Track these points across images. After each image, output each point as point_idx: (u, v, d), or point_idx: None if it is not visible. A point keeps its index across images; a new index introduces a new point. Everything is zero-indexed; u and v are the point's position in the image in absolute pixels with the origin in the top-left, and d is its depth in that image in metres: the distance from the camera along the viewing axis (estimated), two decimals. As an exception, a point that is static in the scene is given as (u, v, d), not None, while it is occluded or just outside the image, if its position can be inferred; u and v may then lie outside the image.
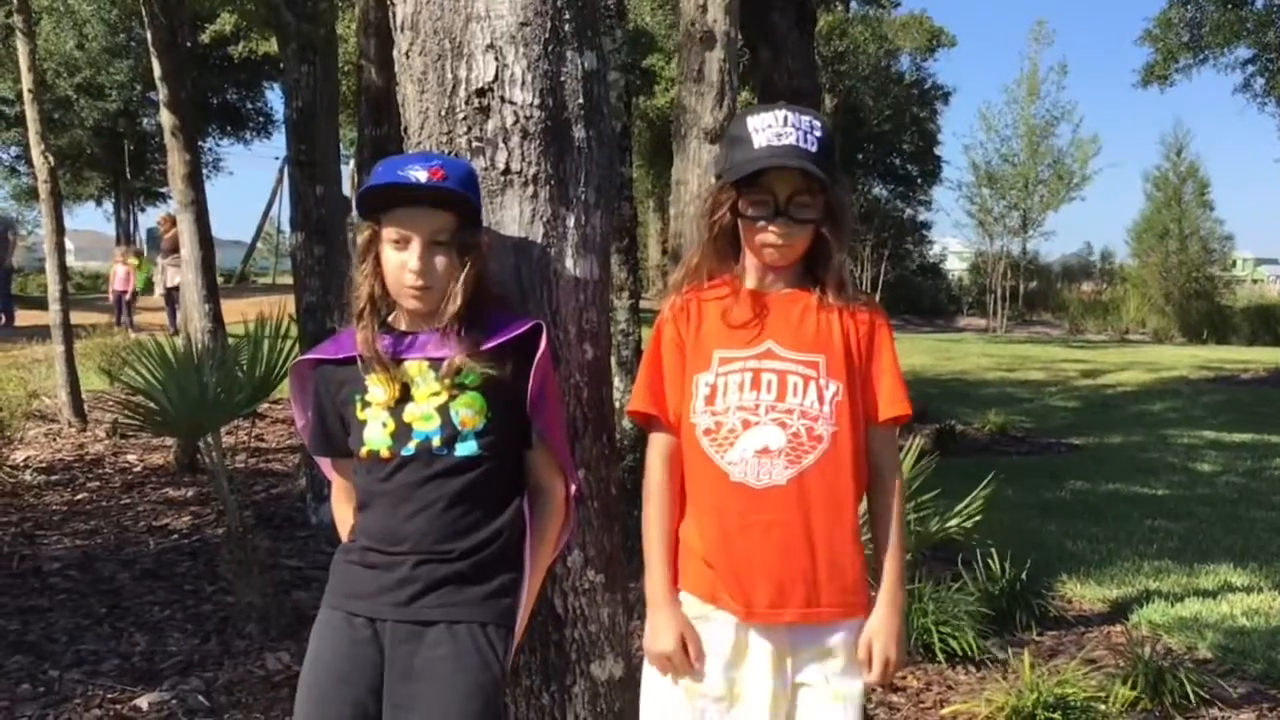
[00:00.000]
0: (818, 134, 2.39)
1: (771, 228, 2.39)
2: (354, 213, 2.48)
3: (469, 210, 2.45)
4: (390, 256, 2.40)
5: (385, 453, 2.41)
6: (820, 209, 2.41)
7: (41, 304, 13.98)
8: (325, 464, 2.66)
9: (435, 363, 2.40)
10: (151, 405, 5.42)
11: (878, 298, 2.50)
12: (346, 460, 2.55)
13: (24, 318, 20.42)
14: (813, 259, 2.48)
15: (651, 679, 2.54)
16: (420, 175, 2.35)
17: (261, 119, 39.90)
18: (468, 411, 2.40)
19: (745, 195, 2.42)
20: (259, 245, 49.56)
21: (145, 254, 26.55)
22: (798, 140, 2.37)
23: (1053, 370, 21.07)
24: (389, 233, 2.40)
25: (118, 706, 4.39)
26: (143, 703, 4.37)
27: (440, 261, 2.39)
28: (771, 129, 2.39)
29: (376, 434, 2.41)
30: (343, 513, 2.63)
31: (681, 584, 2.51)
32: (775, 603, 2.40)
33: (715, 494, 2.44)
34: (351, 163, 20.36)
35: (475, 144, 2.67)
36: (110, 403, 10.30)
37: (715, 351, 2.46)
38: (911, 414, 2.51)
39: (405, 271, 2.38)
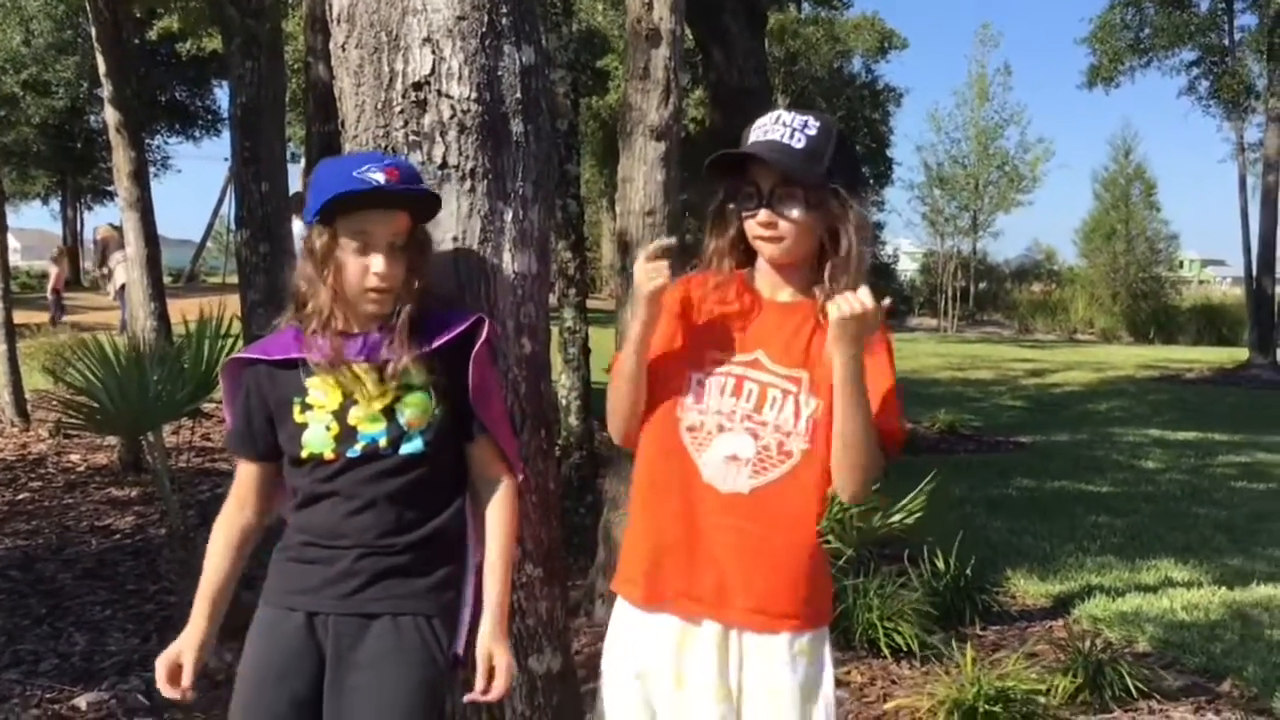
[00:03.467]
0: (809, 132, 2.38)
1: (758, 217, 2.38)
2: (306, 218, 2.41)
3: (421, 210, 2.43)
4: (350, 261, 2.34)
5: (329, 454, 2.37)
6: (804, 205, 2.37)
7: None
8: (242, 468, 2.55)
9: (379, 365, 2.37)
10: (93, 404, 5.37)
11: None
12: (265, 464, 2.50)
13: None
14: (820, 268, 2.46)
15: (609, 670, 2.55)
16: (378, 177, 2.30)
17: (210, 116, 39.53)
18: (414, 412, 2.38)
19: (735, 186, 2.43)
20: (209, 244, 49.20)
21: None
22: (782, 136, 2.37)
23: (1002, 370, 21.28)
24: (349, 237, 2.34)
25: (56, 706, 4.35)
26: (81, 702, 4.33)
27: (398, 263, 2.37)
28: (763, 127, 2.40)
29: (319, 437, 2.37)
30: (227, 529, 2.53)
31: (625, 591, 2.51)
32: (720, 601, 2.40)
33: (686, 489, 2.43)
34: (301, 160, 20.24)
35: (412, 138, 2.66)
36: (54, 402, 10.18)
37: (707, 351, 2.46)
38: (901, 435, 2.43)
39: (369, 275, 2.34)
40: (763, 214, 2.38)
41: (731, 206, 2.45)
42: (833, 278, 2.39)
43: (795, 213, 2.37)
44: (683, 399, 2.46)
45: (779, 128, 2.38)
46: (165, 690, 2.41)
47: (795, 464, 2.40)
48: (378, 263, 2.34)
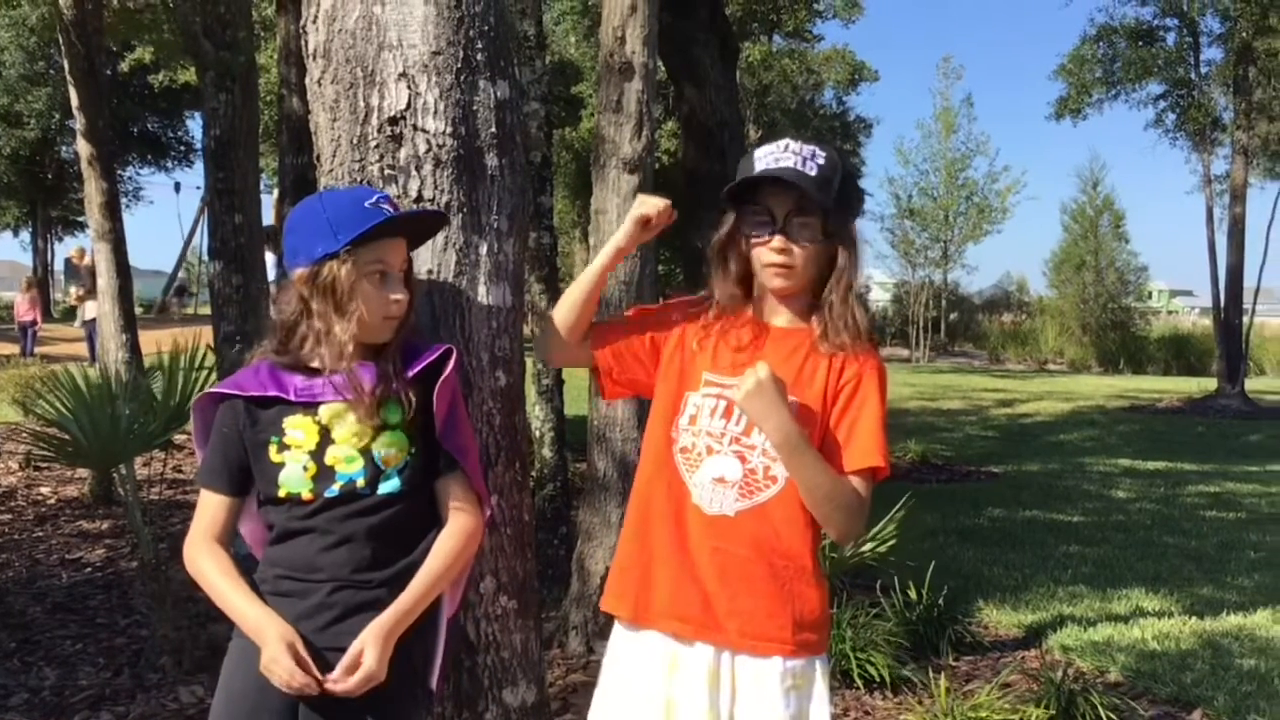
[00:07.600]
0: (819, 162, 2.40)
1: (772, 244, 2.40)
2: (323, 250, 2.36)
3: (421, 237, 2.54)
4: (371, 290, 2.37)
5: (307, 495, 2.37)
6: (818, 233, 2.40)
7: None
8: (212, 500, 2.47)
9: (353, 403, 2.37)
10: (63, 436, 5.34)
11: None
12: (238, 498, 2.47)
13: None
14: (819, 296, 2.48)
15: (604, 685, 2.59)
16: (388, 207, 2.39)
17: (183, 148, 39.39)
18: (390, 450, 2.38)
19: (745, 214, 2.46)
20: (181, 274, 48.97)
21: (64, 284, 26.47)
22: (795, 164, 2.38)
23: (973, 399, 21.36)
24: (370, 265, 2.37)
25: (25, 742, 4.32)
26: (51, 738, 4.30)
27: (407, 290, 2.43)
28: (772, 154, 2.43)
29: (296, 476, 2.37)
30: (214, 554, 2.42)
31: (614, 608, 2.56)
32: (709, 622, 2.41)
33: (677, 509, 2.46)
34: (274, 192, 20.20)
35: (387, 172, 2.68)
36: (24, 434, 10.11)
37: (703, 373, 2.49)
38: (886, 467, 2.41)
39: (390, 303, 2.39)
40: (777, 240, 2.40)
41: (738, 238, 2.48)
42: (831, 306, 2.43)
43: (810, 240, 2.40)
44: (678, 420, 2.50)
45: (789, 155, 2.41)
46: (301, 679, 2.23)
47: (780, 489, 2.41)
48: (399, 289, 2.40)
